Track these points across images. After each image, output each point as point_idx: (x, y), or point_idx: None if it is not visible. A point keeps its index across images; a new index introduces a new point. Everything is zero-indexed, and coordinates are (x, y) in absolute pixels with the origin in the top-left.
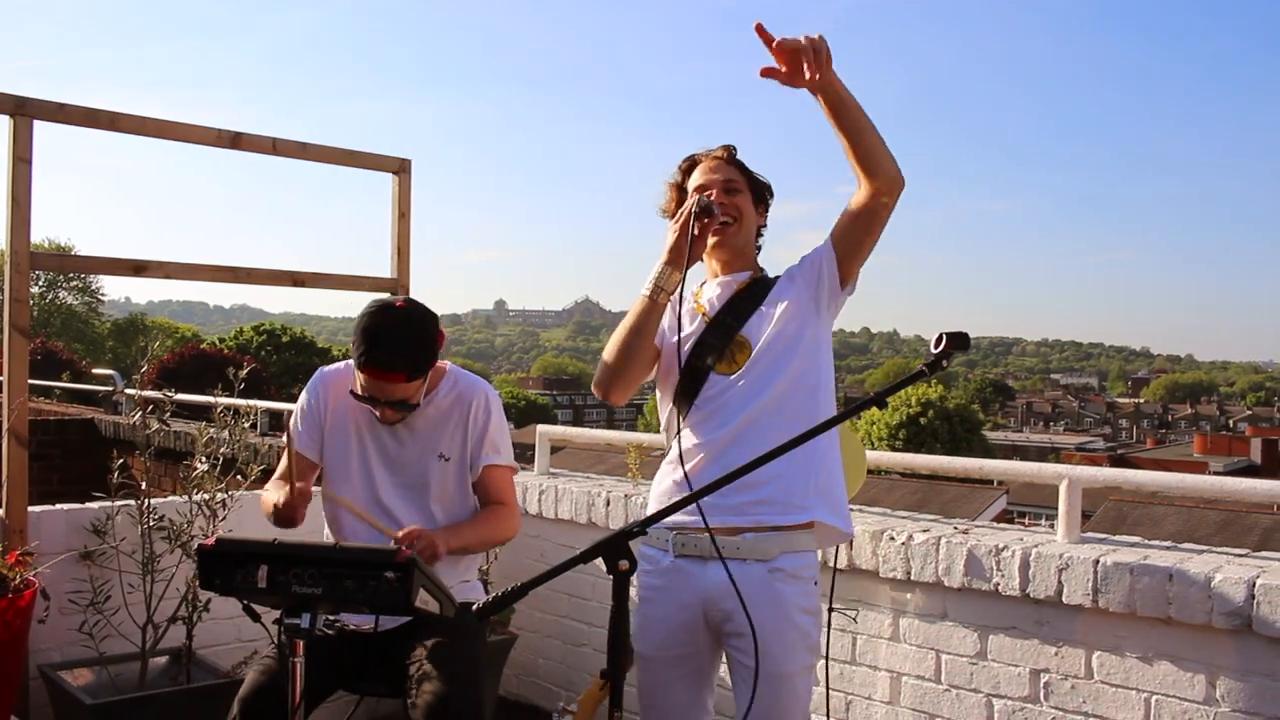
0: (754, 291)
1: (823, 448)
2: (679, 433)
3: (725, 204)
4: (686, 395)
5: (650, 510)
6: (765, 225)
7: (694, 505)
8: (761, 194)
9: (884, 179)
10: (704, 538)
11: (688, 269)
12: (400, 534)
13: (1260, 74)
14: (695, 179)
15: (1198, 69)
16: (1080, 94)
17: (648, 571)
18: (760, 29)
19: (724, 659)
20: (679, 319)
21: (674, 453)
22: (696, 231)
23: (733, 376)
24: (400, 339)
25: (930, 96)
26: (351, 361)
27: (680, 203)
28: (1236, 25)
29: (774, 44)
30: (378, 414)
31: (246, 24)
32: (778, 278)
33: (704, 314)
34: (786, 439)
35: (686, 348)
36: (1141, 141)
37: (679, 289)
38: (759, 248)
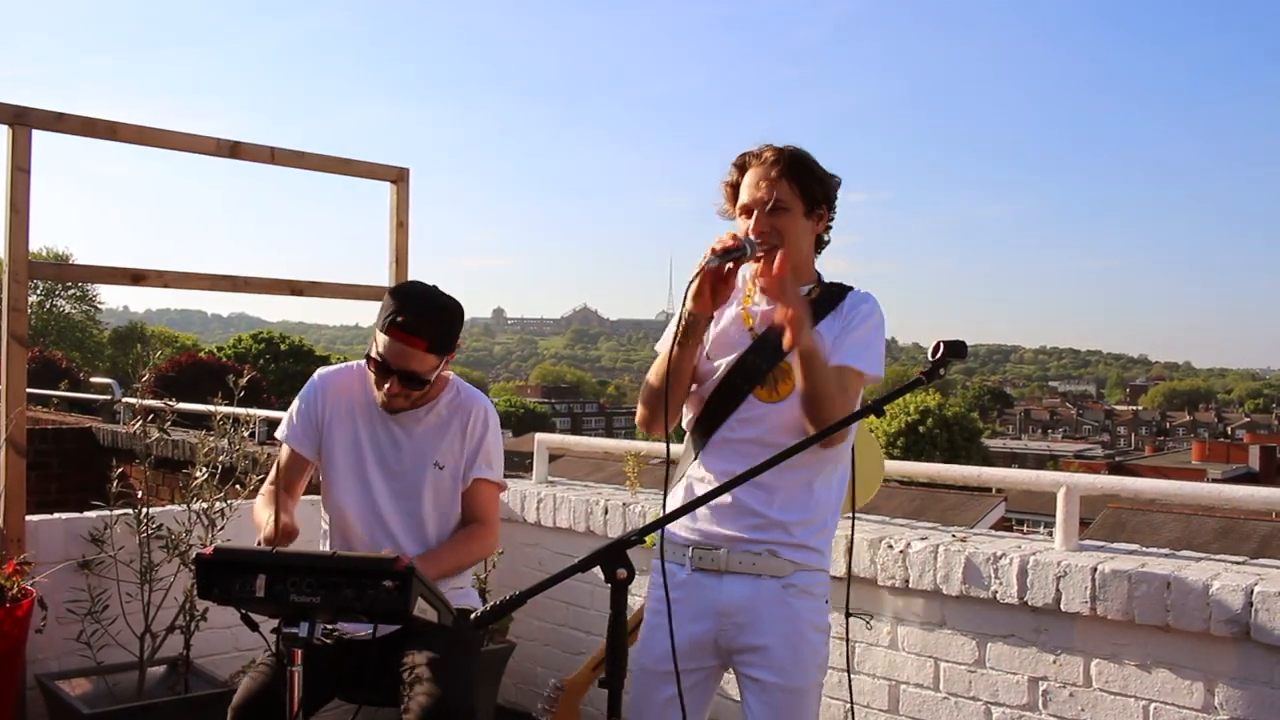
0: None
1: (836, 495)
2: (699, 453)
3: (768, 233)
4: (721, 411)
5: (670, 525)
6: (827, 228)
7: (710, 520)
8: (817, 202)
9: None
10: (720, 552)
11: (716, 309)
12: None
13: (1260, 80)
14: (744, 188)
15: (1197, 74)
16: (1078, 99)
17: (660, 584)
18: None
19: (727, 680)
20: (721, 317)
21: (696, 470)
22: (724, 270)
23: (773, 404)
24: (429, 308)
25: (927, 101)
26: (355, 363)
27: (734, 204)
28: (1235, 30)
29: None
30: (383, 389)
31: (244, 32)
32: (835, 297)
33: (751, 327)
34: (805, 479)
35: (725, 362)
36: (1139, 147)
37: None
38: (820, 251)
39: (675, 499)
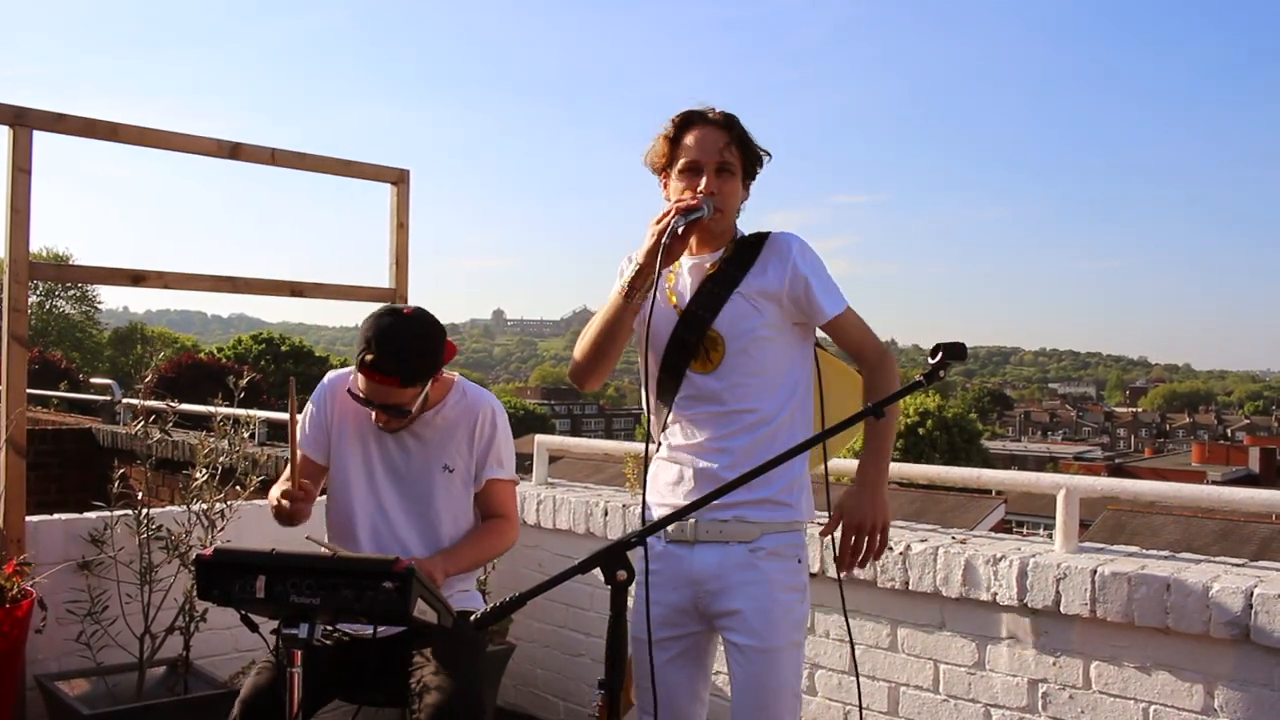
0: (727, 274)
1: (802, 436)
2: (665, 428)
3: (715, 194)
4: (667, 393)
5: (649, 502)
6: (748, 197)
7: (678, 493)
8: (753, 169)
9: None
10: (690, 523)
11: (665, 267)
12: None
13: (1259, 81)
14: (689, 145)
15: (1195, 76)
16: (1077, 101)
17: (641, 556)
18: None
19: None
20: (652, 303)
21: (664, 450)
22: (681, 231)
23: (709, 375)
24: (401, 346)
25: (926, 103)
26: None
27: (670, 159)
28: (1235, 32)
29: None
30: (375, 417)
31: (244, 33)
32: (752, 248)
33: (675, 304)
34: (767, 437)
35: (661, 344)
36: (1138, 149)
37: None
38: (737, 215)
39: (653, 475)
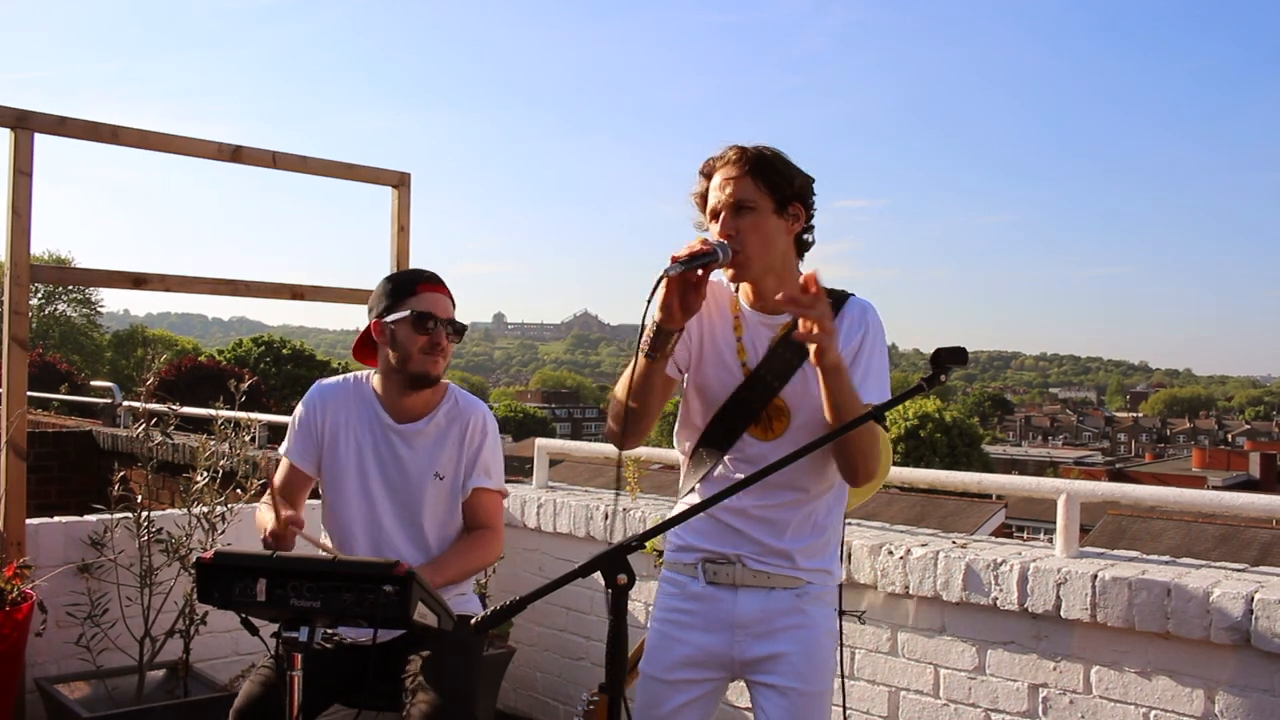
0: (796, 340)
1: (839, 513)
2: (703, 478)
3: (731, 235)
4: (715, 449)
5: (675, 543)
6: (808, 227)
7: (718, 540)
8: (787, 199)
9: (850, 481)
10: (735, 567)
11: (687, 320)
12: None
13: (1259, 88)
14: (710, 193)
15: (1196, 82)
16: (1078, 107)
17: (671, 594)
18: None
19: (737, 695)
20: (716, 349)
21: (698, 499)
22: (695, 280)
23: (769, 443)
24: (428, 271)
25: (927, 109)
26: (351, 375)
27: (705, 212)
28: (1235, 38)
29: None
30: (435, 348)
31: (245, 38)
32: (835, 303)
33: (744, 362)
34: (812, 511)
35: (718, 399)
36: (1140, 155)
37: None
38: (803, 255)
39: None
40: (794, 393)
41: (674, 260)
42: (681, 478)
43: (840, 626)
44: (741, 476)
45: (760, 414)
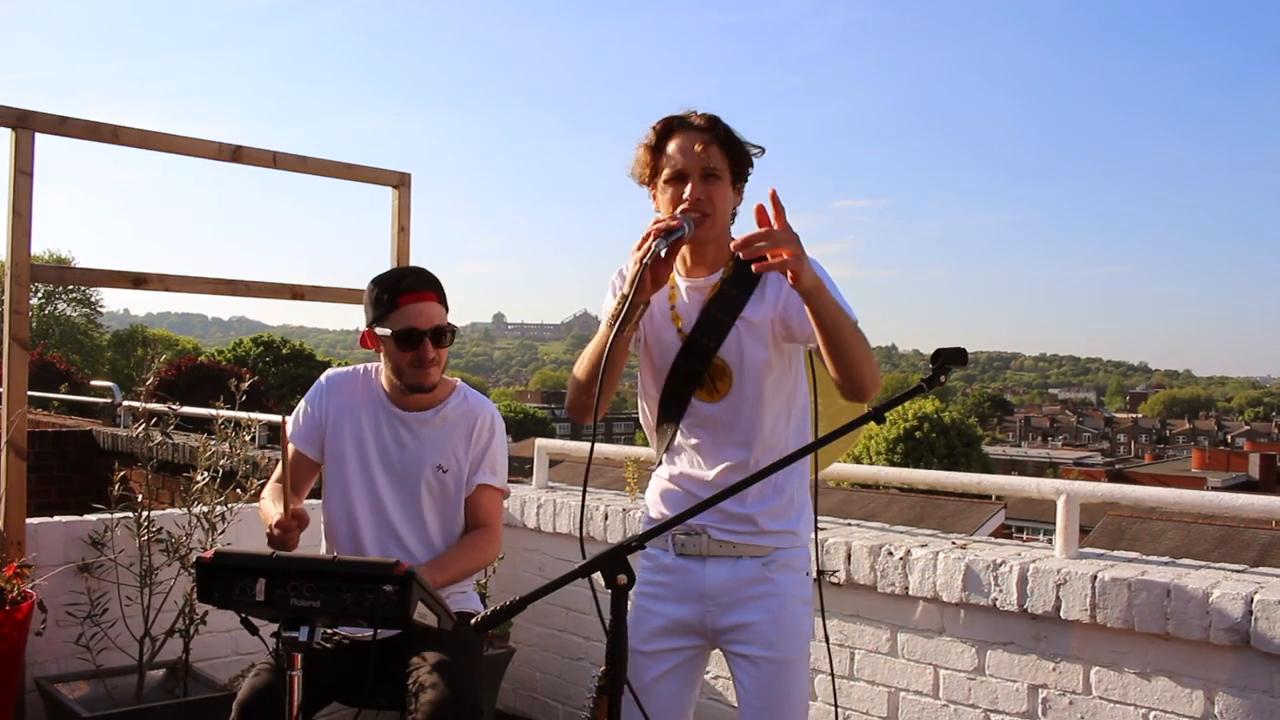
0: (727, 298)
1: (801, 469)
2: (668, 448)
3: (701, 200)
4: (671, 418)
5: (651, 516)
6: (741, 200)
7: (687, 505)
8: (743, 170)
9: (858, 397)
10: (702, 538)
11: (656, 292)
12: None
13: (1260, 88)
14: (672, 154)
15: (1196, 82)
16: (1078, 107)
17: (646, 567)
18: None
19: (713, 663)
20: (653, 320)
21: (666, 471)
22: (664, 254)
23: (716, 404)
24: (415, 268)
25: (928, 109)
26: (361, 366)
27: (654, 169)
28: (1235, 38)
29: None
30: (421, 361)
31: (245, 38)
32: (751, 273)
33: (680, 328)
34: (774, 458)
35: (664, 369)
36: (1140, 155)
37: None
38: (732, 223)
39: (651, 496)
40: (731, 350)
41: (657, 235)
42: (655, 453)
43: (824, 625)
44: (696, 442)
45: (703, 376)
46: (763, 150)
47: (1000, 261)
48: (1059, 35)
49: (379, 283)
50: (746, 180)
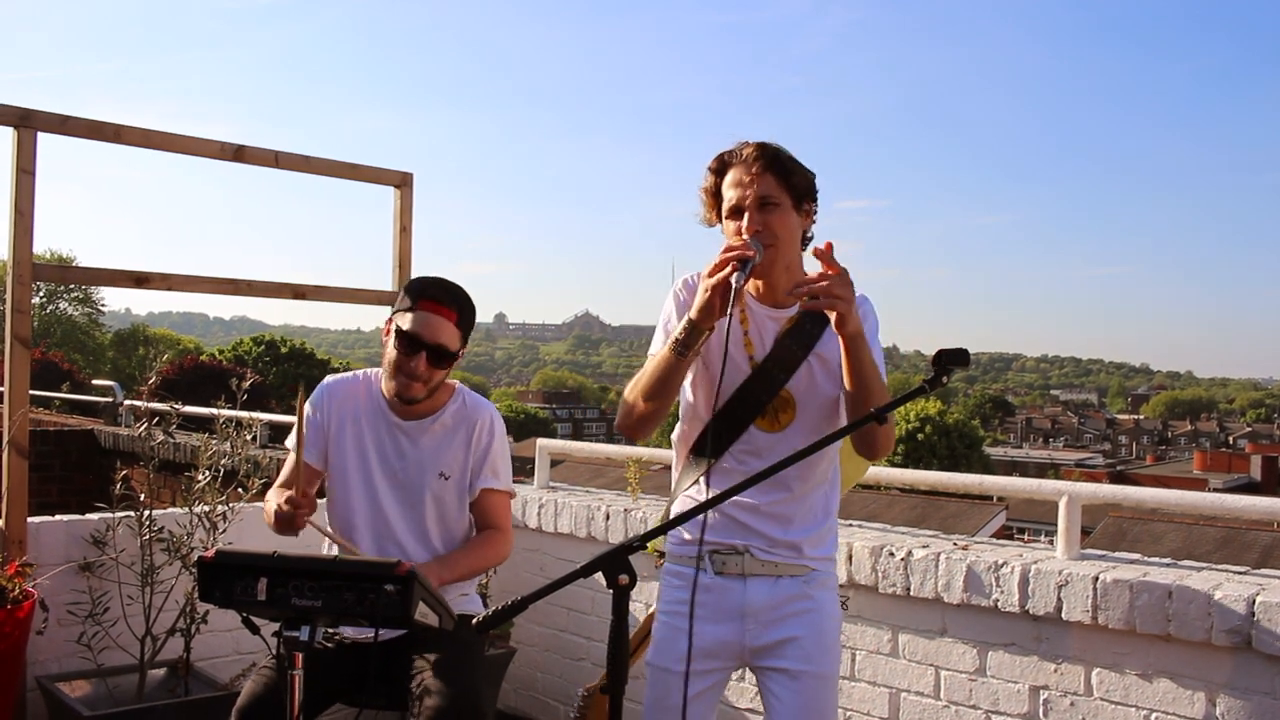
0: (804, 332)
1: (835, 499)
2: (708, 472)
3: (761, 231)
4: (719, 442)
5: (685, 538)
6: (813, 223)
7: (725, 532)
8: (802, 195)
9: (868, 453)
10: (744, 557)
11: (721, 319)
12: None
13: (1259, 88)
14: (727, 190)
15: (1197, 83)
16: (1079, 107)
17: (678, 587)
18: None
19: (737, 684)
20: (716, 344)
21: (701, 492)
22: (738, 284)
23: (774, 434)
24: (454, 287)
25: (928, 110)
26: (360, 372)
27: (717, 209)
28: (1235, 38)
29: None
30: (408, 369)
31: (245, 38)
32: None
33: (751, 355)
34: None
35: (725, 391)
36: (1141, 156)
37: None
38: (804, 249)
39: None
40: (800, 385)
41: (735, 267)
42: (678, 473)
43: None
44: (745, 469)
45: (766, 407)
46: (813, 174)
47: (1001, 261)
48: (1059, 35)
49: (416, 279)
50: (815, 201)
